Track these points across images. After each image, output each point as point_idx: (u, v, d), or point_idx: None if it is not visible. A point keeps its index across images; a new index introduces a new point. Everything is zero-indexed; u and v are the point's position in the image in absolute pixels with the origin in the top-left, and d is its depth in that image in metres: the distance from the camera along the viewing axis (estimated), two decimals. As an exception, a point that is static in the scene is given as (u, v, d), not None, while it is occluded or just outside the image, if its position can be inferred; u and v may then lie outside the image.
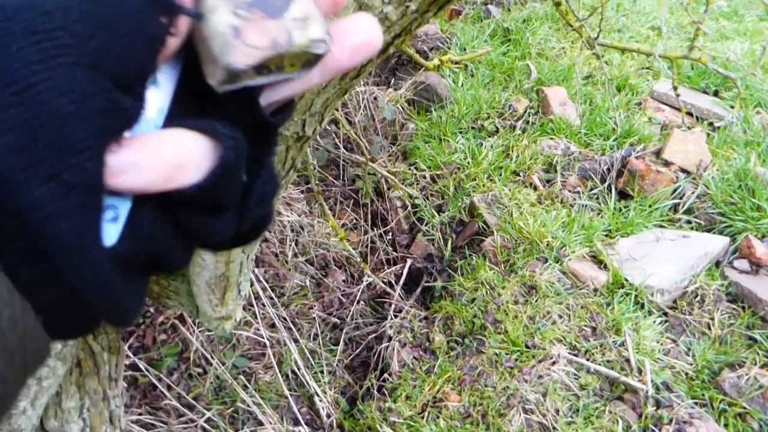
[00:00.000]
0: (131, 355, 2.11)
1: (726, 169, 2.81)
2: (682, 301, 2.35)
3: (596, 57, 2.05)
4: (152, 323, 2.32)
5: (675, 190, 2.86)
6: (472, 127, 3.28)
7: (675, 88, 2.01)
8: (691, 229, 2.71)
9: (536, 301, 2.30)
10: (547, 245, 2.52)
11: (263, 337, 2.30)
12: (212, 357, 2.24)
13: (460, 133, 3.23)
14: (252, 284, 2.39)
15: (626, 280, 2.38)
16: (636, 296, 2.32)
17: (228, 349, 2.34)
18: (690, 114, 3.34)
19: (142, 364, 2.08)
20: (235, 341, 2.37)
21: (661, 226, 2.73)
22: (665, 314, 2.31)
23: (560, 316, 2.24)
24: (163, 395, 2.08)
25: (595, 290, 2.37)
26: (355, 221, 3.06)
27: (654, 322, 2.25)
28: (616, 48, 2.06)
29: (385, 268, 2.88)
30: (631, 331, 2.20)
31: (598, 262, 2.51)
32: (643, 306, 2.31)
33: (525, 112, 3.33)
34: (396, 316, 2.52)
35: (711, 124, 3.27)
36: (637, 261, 2.49)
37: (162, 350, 2.25)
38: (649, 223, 2.72)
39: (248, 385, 2.22)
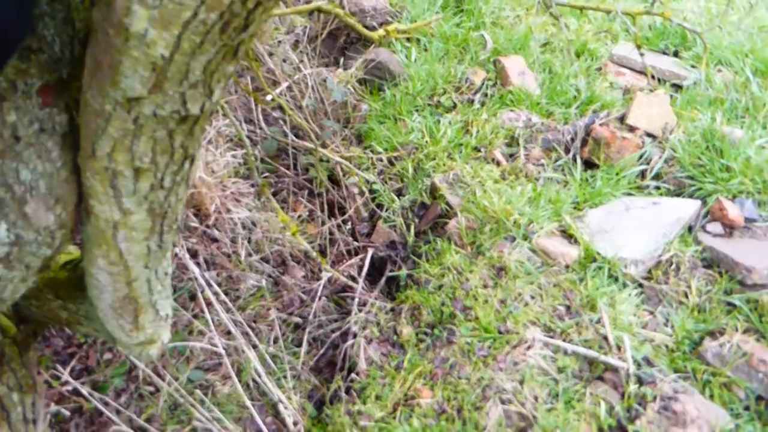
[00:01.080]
0: (72, 380, 1.91)
1: (692, 131, 2.71)
2: (657, 270, 2.24)
3: (555, 18, 1.91)
4: (94, 342, 2.12)
5: (641, 156, 2.76)
6: (429, 104, 3.12)
7: (639, 47, 1.89)
8: (661, 195, 2.61)
9: (506, 282, 2.17)
10: (514, 223, 2.38)
11: (218, 346, 2.12)
12: (164, 373, 2.06)
13: (416, 111, 3.07)
14: (203, 290, 2.21)
15: (598, 253, 2.26)
16: (609, 269, 2.20)
17: (181, 362, 2.16)
18: (652, 76, 3.24)
19: (85, 389, 1.89)
20: (188, 353, 2.19)
21: (630, 194, 2.62)
22: (640, 286, 2.20)
23: (532, 297, 2.12)
24: (112, 421, 1.89)
25: (567, 266, 2.25)
26: (311, 212, 2.89)
27: (629, 294, 2.14)
28: (574, 7, 1.91)
29: (346, 259, 2.72)
30: (607, 306, 2.09)
31: (568, 236, 2.39)
32: (617, 279, 2.20)
33: (482, 84, 3.19)
34: (360, 310, 2.37)
35: (674, 85, 3.18)
36: (607, 232, 2.37)
37: (107, 371, 2.06)
38: (618, 191, 2.61)
39: (205, 399, 2.05)
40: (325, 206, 2.85)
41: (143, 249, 0.72)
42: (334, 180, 2.90)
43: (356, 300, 2.41)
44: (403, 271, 2.49)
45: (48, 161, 0.59)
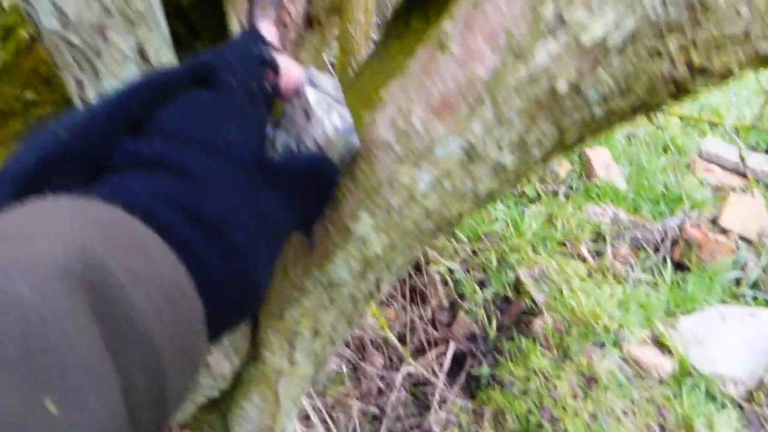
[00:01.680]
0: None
1: (793, 239, 2.61)
2: (759, 392, 2.12)
3: (657, 128, 1.92)
4: None
5: (736, 261, 2.66)
6: (512, 193, 3.14)
7: (742, 159, 1.86)
8: (759, 305, 2.50)
9: (597, 394, 2.09)
10: (604, 327, 2.32)
11: (298, 433, 2.12)
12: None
13: (500, 199, 3.08)
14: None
15: (694, 367, 2.16)
16: (706, 387, 2.10)
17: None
18: (743, 174, 3.16)
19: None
20: (268, 437, 2.20)
21: (725, 302, 2.52)
22: (740, 407, 2.08)
23: (625, 413, 2.03)
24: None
25: (661, 380, 2.16)
26: (392, 296, 2.90)
27: (729, 417, 2.02)
28: (682, 117, 1.91)
29: (426, 349, 2.70)
30: (704, 428, 1.98)
31: (661, 345, 2.31)
32: (715, 398, 2.09)
33: (567, 176, 3.18)
34: (441, 407, 2.33)
35: (769, 186, 3.08)
36: (703, 344, 2.27)
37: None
38: (711, 298, 2.52)
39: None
40: (407, 292, 2.86)
41: (298, 391, 0.75)
42: (416, 266, 2.92)
43: (436, 396, 2.38)
44: (486, 369, 2.44)
45: (234, 316, 0.64)
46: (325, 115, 0.41)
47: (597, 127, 0.42)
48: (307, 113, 0.41)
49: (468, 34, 0.39)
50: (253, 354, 0.71)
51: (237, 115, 0.36)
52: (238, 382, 0.79)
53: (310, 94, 0.41)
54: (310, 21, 0.52)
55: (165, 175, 0.33)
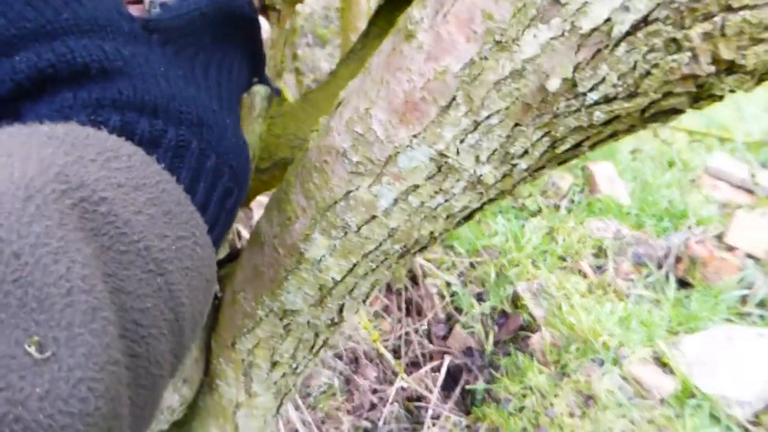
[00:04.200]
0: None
1: (802, 257, 2.52)
2: (766, 414, 2.03)
3: (663, 142, 1.84)
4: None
5: (742, 279, 2.58)
6: (513, 207, 3.06)
7: (753, 176, 1.78)
8: (765, 325, 2.41)
9: (595, 414, 2.01)
10: (603, 345, 2.24)
11: (285, 449, 2.04)
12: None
13: (500, 212, 3.00)
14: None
15: (697, 388, 2.08)
16: (710, 408, 2.01)
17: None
18: (750, 191, 3.07)
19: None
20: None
21: (730, 321, 2.43)
22: (746, 430, 1.99)
23: (624, 435, 1.95)
24: None
25: (662, 400, 2.07)
26: (387, 307, 2.82)
27: (735, 441, 1.94)
28: (691, 132, 1.84)
29: (421, 362, 2.61)
30: (709, 453, 1.89)
31: (663, 364, 2.22)
32: (719, 420, 2.00)
33: (569, 189, 3.11)
34: (434, 424, 2.24)
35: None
36: (707, 365, 2.19)
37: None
38: (716, 316, 2.43)
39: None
40: (403, 304, 2.78)
41: (260, 423, 0.67)
42: (412, 278, 2.84)
43: (429, 412, 2.29)
44: (481, 385, 2.36)
45: (182, 343, 0.56)
46: None
47: (597, 136, 0.34)
48: None
49: (439, 21, 0.32)
50: (208, 383, 0.63)
51: None
52: (195, 411, 0.71)
53: None
54: (264, 8, 0.44)
55: (78, 80, 0.29)
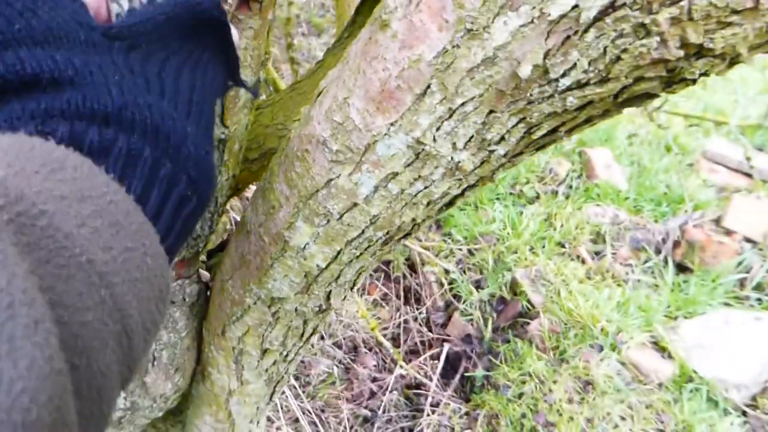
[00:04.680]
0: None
1: (799, 240, 2.52)
2: (763, 398, 2.04)
3: (660, 127, 1.84)
4: None
5: (740, 263, 2.58)
6: (511, 193, 3.06)
7: (749, 159, 1.78)
8: (763, 309, 2.42)
9: (594, 399, 2.02)
10: (602, 330, 2.25)
11: (285, 438, 2.06)
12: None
13: (498, 199, 3.01)
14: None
15: (695, 372, 2.09)
16: (708, 392, 2.02)
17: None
18: (748, 175, 3.07)
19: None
20: (254, 441, 2.13)
21: (728, 305, 2.44)
22: (744, 414, 2.00)
23: (622, 418, 1.96)
24: None
25: (660, 385, 2.08)
26: (385, 295, 2.83)
27: (732, 423, 1.95)
28: (685, 116, 1.84)
29: (420, 350, 2.63)
30: (706, 435, 1.91)
31: (661, 349, 2.23)
32: (717, 404, 2.01)
33: (567, 175, 3.10)
34: (433, 411, 2.26)
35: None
36: (705, 348, 2.20)
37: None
38: (714, 301, 2.44)
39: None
40: (401, 292, 2.79)
41: (253, 410, 0.68)
42: (411, 266, 2.85)
43: (429, 399, 2.31)
44: (480, 372, 2.37)
45: (173, 332, 0.57)
46: None
47: (573, 121, 0.35)
48: None
49: (412, 10, 0.32)
50: (200, 372, 0.64)
51: None
52: (189, 400, 0.72)
53: None
54: (246, 0, 0.44)
55: (28, 91, 0.29)
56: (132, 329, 0.25)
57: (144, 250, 0.27)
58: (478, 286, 2.74)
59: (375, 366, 2.58)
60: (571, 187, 3.06)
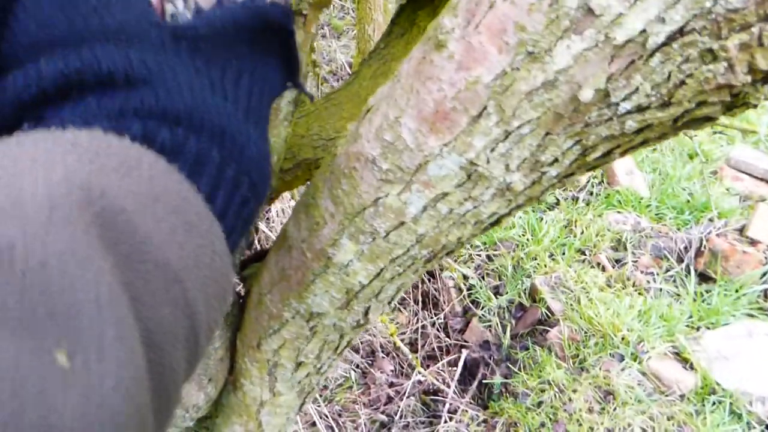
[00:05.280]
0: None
1: (827, 251, 2.48)
2: (788, 412, 2.01)
3: (684, 134, 1.82)
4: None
5: (765, 273, 2.54)
6: (531, 199, 3.04)
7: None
8: (788, 320, 2.38)
9: (614, 409, 2.00)
10: (623, 339, 2.22)
11: (303, 441, 2.06)
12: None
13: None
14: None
15: (717, 383, 2.06)
16: (731, 404, 2.00)
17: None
18: (773, 183, 3.03)
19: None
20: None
21: (751, 316, 2.41)
22: None
23: (644, 430, 1.94)
24: None
25: (682, 396, 2.05)
26: (403, 299, 2.83)
27: (755, 438, 1.92)
28: (715, 124, 1.81)
29: (438, 355, 2.62)
30: (729, 449, 1.88)
31: (683, 359, 2.20)
32: (740, 417, 1.98)
33: (588, 181, 3.08)
34: (451, 418, 2.25)
35: (802, 197, 2.95)
36: (728, 360, 2.17)
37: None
38: (737, 311, 2.40)
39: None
40: (419, 297, 2.78)
41: (283, 420, 0.67)
42: (429, 270, 2.84)
43: (446, 405, 2.30)
44: (499, 379, 2.36)
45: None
46: None
47: (629, 144, 0.34)
48: None
49: (470, 31, 0.32)
50: (232, 382, 0.64)
51: None
52: (219, 408, 0.72)
53: None
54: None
55: (103, 88, 0.29)
56: (199, 326, 0.26)
57: (213, 249, 0.27)
58: (496, 292, 2.72)
59: (392, 371, 2.58)
60: (591, 193, 3.04)
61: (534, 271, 2.66)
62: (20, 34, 0.30)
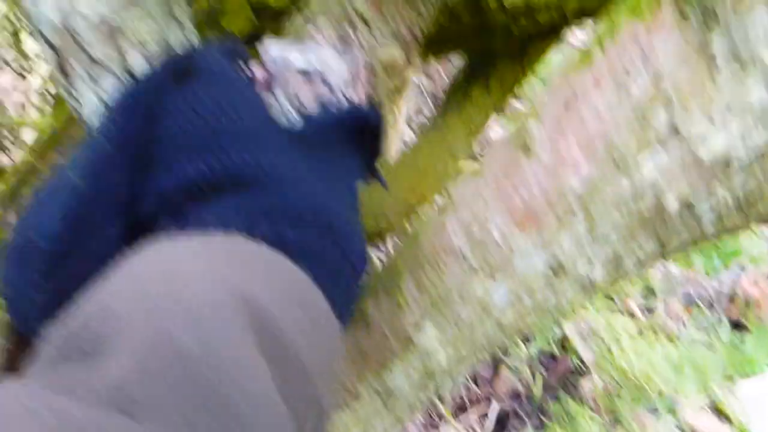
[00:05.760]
0: None
1: None
2: (831, 467, 1.95)
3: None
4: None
5: (799, 322, 2.50)
6: (557, 245, 3.04)
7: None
8: (826, 370, 2.33)
9: (652, 465, 1.96)
10: (658, 392, 2.19)
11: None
12: None
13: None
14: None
15: (756, 436, 2.02)
16: (772, 459, 1.94)
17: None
18: (803, 229, 3.00)
19: None
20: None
21: (787, 365, 2.36)
22: (811, 484, 1.91)
23: (683, 487, 1.89)
24: None
25: (720, 450, 2.01)
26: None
27: (798, 494, 1.86)
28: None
29: (466, 405, 2.59)
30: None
31: (718, 410, 2.16)
32: (782, 473, 1.93)
33: (614, 228, 3.08)
34: (483, 472, 2.21)
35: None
36: (764, 411, 2.12)
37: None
38: (772, 360, 2.36)
39: None
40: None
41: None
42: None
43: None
44: (530, 431, 2.32)
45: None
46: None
47: (704, 240, 0.37)
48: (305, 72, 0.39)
49: (559, 139, 0.35)
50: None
51: (234, 92, 0.34)
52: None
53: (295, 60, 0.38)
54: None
55: (237, 190, 0.32)
56: (323, 421, 0.28)
57: (334, 348, 0.30)
58: (525, 340, 2.70)
59: (422, 422, 2.55)
60: (618, 239, 3.03)
61: (563, 318, 2.64)
62: (165, 138, 0.33)
